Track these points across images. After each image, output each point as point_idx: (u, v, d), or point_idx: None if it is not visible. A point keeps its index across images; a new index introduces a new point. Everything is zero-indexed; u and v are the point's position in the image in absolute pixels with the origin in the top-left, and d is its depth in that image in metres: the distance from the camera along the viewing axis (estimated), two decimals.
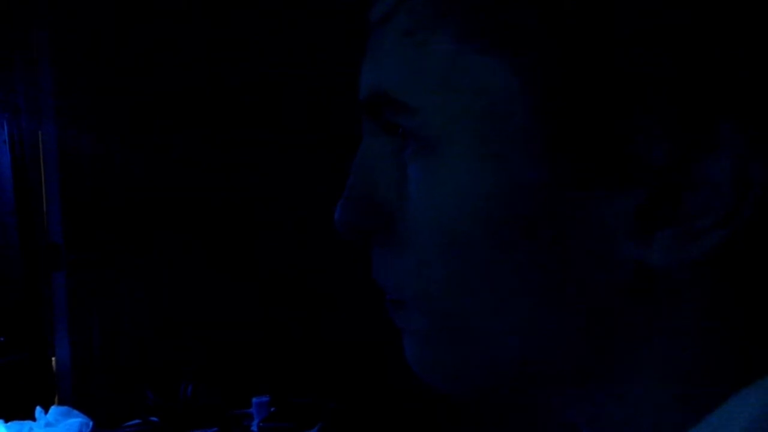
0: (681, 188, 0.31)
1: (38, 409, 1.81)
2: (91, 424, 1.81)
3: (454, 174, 0.34)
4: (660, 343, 0.34)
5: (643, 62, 0.30)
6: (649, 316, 0.34)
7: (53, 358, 2.16)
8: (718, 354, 0.34)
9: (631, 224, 0.32)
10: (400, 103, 0.35)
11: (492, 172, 0.33)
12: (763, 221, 0.31)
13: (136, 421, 2.00)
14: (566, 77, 0.31)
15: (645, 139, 0.31)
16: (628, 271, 0.33)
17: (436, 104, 0.34)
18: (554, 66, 0.31)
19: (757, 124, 0.30)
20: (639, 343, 0.34)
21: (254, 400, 2.04)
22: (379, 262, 0.39)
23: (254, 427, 2.01)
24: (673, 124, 0.31)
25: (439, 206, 0.35)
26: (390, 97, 0.35)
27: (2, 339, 2.03)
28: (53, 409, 1.83)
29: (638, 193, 0.32)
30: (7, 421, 1.77)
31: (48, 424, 1.78)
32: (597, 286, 0.33)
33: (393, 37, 0.36)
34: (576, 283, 0.34)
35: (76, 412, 1.84)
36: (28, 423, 1.78)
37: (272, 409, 2.03)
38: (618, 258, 0.33)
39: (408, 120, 0.35)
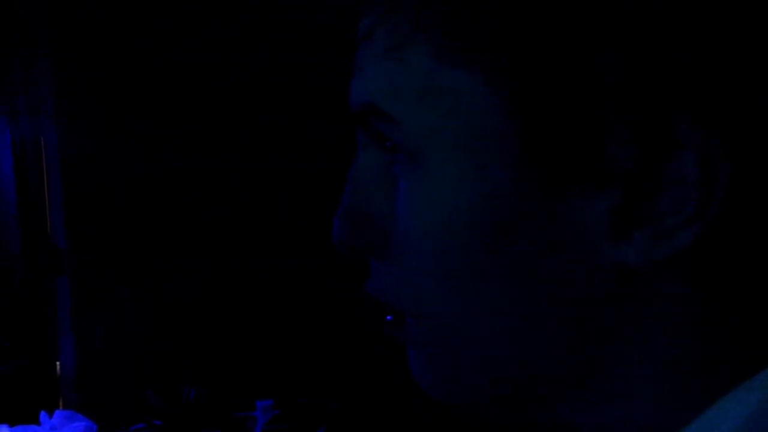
0: (652, 188, 0.32)
1: (43, 414, 1.81)
2: (95, 428, 1.82)
3: (437, 186, 0.35)
4: (647, 342, 0.35)
5: (604, 67, 0.31)
6: (634, 316, 0.34)
7: (57, 363, 2.17)
8: (707, 351, 0.34)
9: (608, 225, 0.33)
10: (386, 114, 0.36)
11: (472, 182, 0.34)
12: (735, 215, 0.32)
13: (140, 425, 2.01)
14: (535, 87, 0.32)
15: (613, 142, 0.32)
16: (610, 272, 0.34)
17: (416, 118, 0.35)
18: (527, 79, 0.33)
19: (720, 123, 0.31)
20: (627, 343, 0.35)
21: (258, 403, 2.05)
22: (375, 277, 0.40)
23: (258, 430, 2.02)
24: (637, 126, 0.32)
25: (424, 219, 0.36)
26: (376, 108, 0.37)
27: (6, 344, 2.04)
28: (57, 413, 1.83)
29: (613, 195, 0.33)
30: (12, 425, 1.78)
31: (52, 428, 1.79)
32: (582, 288, 0.34)
33: (375, 53, 0.37)
34: (561, 286, 0.34)
35: (80, 416, 1.84)
36: (32, 427, 1.79)
37: (276, 412, 2.03)
38: (599, 259, 0.34)
39: (394, 132, 0.36)
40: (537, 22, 0.32)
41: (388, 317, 0.40)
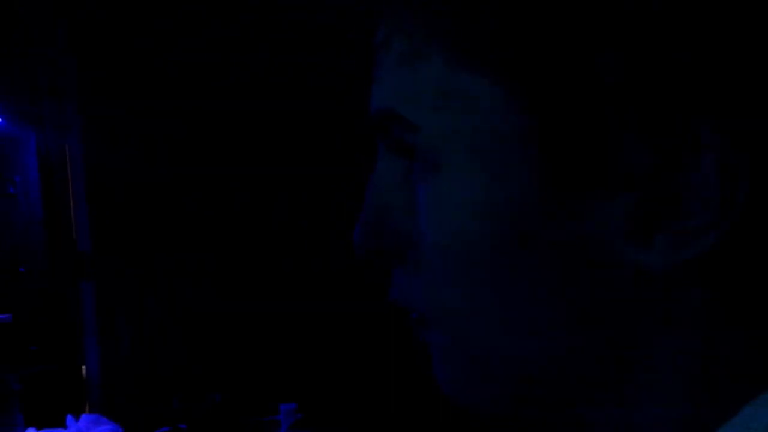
0: (673, 191, 0.32)
1: (69, 417, 1.83)
2: (120, 431, 1.83)
3: (454, 190, 0.35)
4: (669, 344, 0.34)
5: (605, 68, 0.31)
6: (655, 319, 0.34)
7: (83, 367, 2.19)
8: (729, 352, 0.34)
9: (628, 229, 0.33)
10: (404, 121, 0.36)
11: (488, 186, 0.34)
12: (757, 217, 0.32)
13: (165, 428, 2.02)
14: (544, 90, 0.32)
15: (632, 146, 0.32)
16: (629, 276, 0.33)
17: (434, 123, 0.35)
18: (537, 81, 0.32)
19: (737, 123, 0.31)
20: (649, 345, 0.35)
21: (282, 407, 2.06)
22: (397, 283, 0.40)
23: None
24: (654, 131, 0.31)
25: (442, 224, 0.36)
26: (395, 115, 0.37)
27: (34, 348, 2.06)
28: (83, 416, 1.85)
29: (631, 199, 0.32)
30: (39, 428, 1.80)
31: None
32: (601, 292, 0.34)
33: (392, 60, 0.37)
34: (581, 291, 0.34)
35: (105, 419, 1.86)
36: (59, 430, 1.81)
37: (299, 416, 2.04)
38: (619, 264, 0.33)
39: (412, 138, 0.36)
40: (538, 25, 0.32)
41: (413, 314, 0.40)
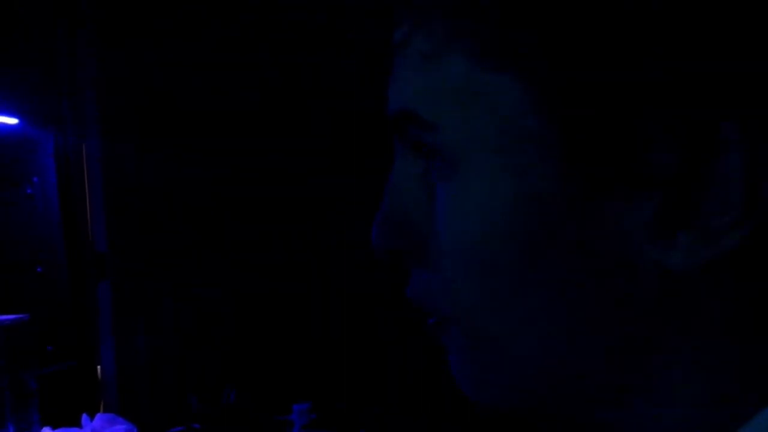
0: (696, 191, 0.32)
1: (84, 416, 1.84)
2: (135, 430, 1.84)
3: (474, 190, 0.35)
4: (691, 345, 0.34)
5: (643, 71, 0.31)
6: (677, 320, 0.34)
7: (99, 367, 2.20)
8: (752, 354, 0.34)
9: (650, 229, 0.33)
10: (423, 120, 0.36)
11: (511, 186, 0.34)
12: None
13: (180, 428, 2.03)
14: (573, 91, 0.32)
15: (654, 146, 0.32)
16: (652, 276, 0.33)
17: (454, 122, 0.35)
18: (562, 80, 0.32)
19: (763, 122, 0.31)
20: (671, 347, 0.34)
21: (295, 406, 2.06)
22: (415, 282, 0.40)
23: None
24: (678, 130, 0.31)
25: (462, 224, 0.36)
26: (414, 114, 0.37)
27: (50, 348, 2.08)
28: (99, 416, 1.85)
29: (654, 198, 0.32)
30: (54, 427, 1.81)
31: (93, 431, 1.81)
32: (623, 292, 0.34)
33: (412, 59, 0.37)
34: (603, 291, 0.34)
35: (120, 419, 1.86)
36: (74, 430, 1.81)
37: (313, 416, 2.04)
38: (641, 263, 0.33)
39: (431, 137, 0.36)
40: (578, 29, 0.32)
41: (430, 320, 0.40)
